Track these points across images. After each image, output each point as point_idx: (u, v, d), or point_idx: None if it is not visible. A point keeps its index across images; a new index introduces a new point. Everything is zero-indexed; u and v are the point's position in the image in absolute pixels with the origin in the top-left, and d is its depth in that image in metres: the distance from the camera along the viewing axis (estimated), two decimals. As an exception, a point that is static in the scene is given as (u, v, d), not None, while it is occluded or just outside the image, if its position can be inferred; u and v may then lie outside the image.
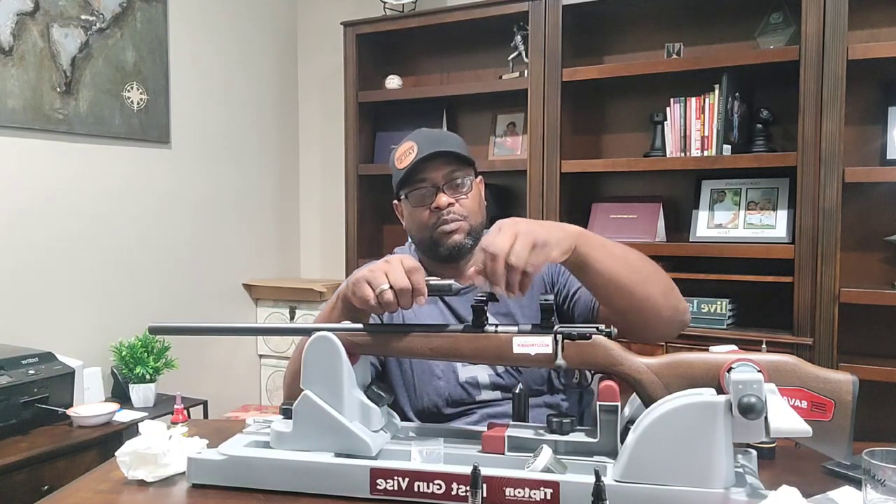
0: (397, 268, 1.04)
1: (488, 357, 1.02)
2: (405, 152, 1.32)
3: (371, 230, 3.19)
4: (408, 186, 1.33)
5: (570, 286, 1.35)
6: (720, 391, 0.90)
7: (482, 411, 1.30)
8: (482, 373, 1.32)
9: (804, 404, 0.89)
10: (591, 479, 0.76)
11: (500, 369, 1.32)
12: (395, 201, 1.41)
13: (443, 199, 1.31)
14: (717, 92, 2.39)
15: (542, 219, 2.63)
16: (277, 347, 3.30)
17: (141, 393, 2.48)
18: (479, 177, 1.40)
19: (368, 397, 1.04)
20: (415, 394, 1.33)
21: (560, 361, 0.97)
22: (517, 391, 1.13)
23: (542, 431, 1.01)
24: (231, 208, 3.21)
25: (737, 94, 2.41)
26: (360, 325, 1.06)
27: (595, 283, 1.12)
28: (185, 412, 2.28)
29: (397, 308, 1.05)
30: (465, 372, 1.32)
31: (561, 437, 0.99)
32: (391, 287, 1.03)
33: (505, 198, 2.97)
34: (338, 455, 0.99)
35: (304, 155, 3.61)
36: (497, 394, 1.32)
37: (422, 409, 1.32)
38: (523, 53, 2.76)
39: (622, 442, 0.93)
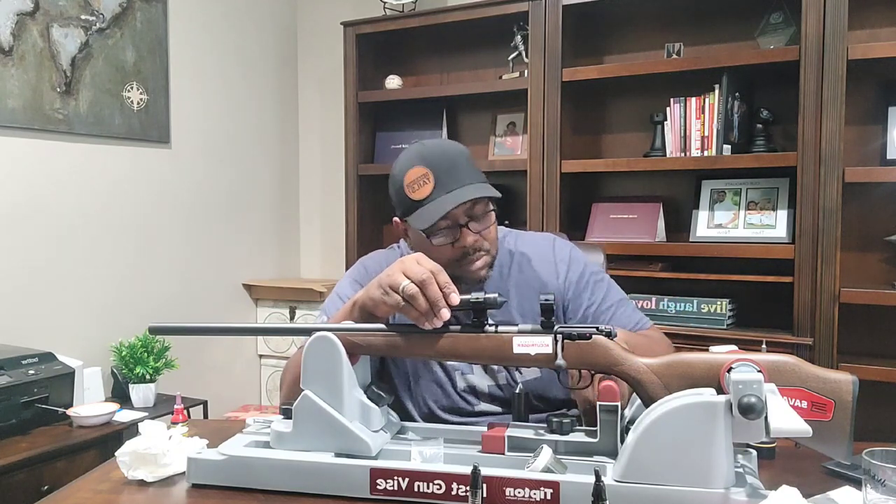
0: (411, 263, 1.02)
1: (488, 357, 1.02)
2: (418, 180, 1.18)
3: (371, 230, 3.18)
4: (424, 224, 1.18)
5: (600, 300, 1.31)
6: (720, 391, 0.90)
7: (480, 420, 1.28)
8: (482, 382, 1.30)
9: (804, 404, 0.89)
10: (591, 479, 0.76)
11: (502, 381, 1.30)
12: (396, 219, 1.28)
13: (469, 237, 1.20)
14: (717, 92, 2.38)
15: (543, 218, 2.64)
16: (277, 347, 3.30)
17: (141, 393, 2.48)
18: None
19: (368, 397, 1.04)
20: (412, 398, 1.32)
21: (560, 361, 0.96)
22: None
23: (542, 431, 1.01)
24: (231, 208, 3.21)
25: (737, 94, 2.41)
26: (360, 326, 1.06)
27: None
28: (185, 412, 2.28)
29: (425, 303, 1.00)
30: (464, 381, 1.30)
31: (561, 437, 0.99)
32: (412, 282, 1.00)
33: (505, 198, 2.94)
34: (338, 455, 0.99)
35: (304, 155, 3.61)
36: (496, 407, 1.30)
37: (420, 415, 1.31)
38: (523, 53, 2.76)
39: (622, 442, 0.93)
